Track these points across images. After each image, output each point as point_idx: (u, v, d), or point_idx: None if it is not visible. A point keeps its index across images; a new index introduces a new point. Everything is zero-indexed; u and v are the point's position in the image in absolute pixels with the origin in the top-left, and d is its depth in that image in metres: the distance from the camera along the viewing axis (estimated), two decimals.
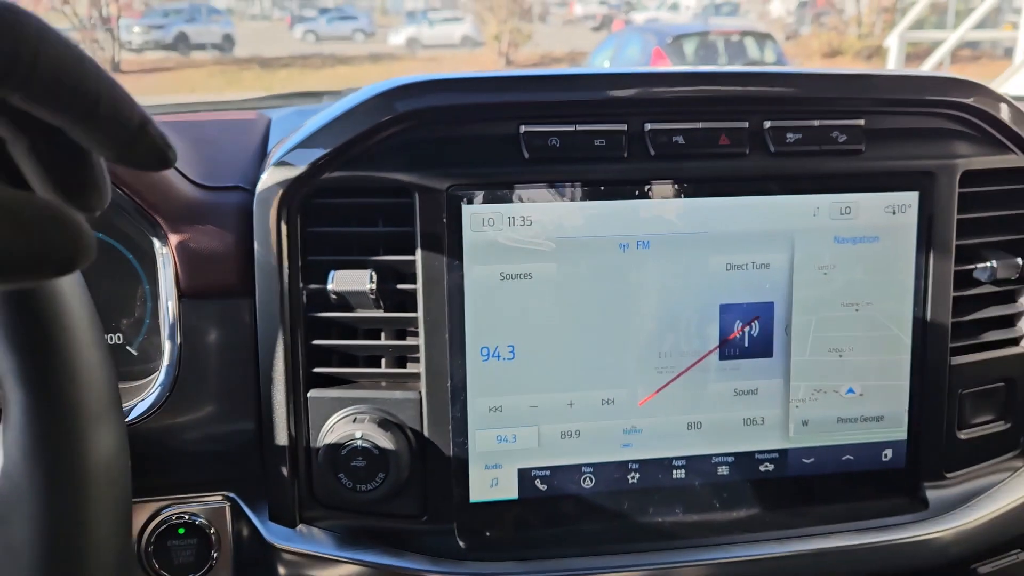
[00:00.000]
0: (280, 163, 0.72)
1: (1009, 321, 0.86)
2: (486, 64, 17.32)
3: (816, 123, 0.76)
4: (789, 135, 0.76)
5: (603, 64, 9.03)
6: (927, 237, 0.79)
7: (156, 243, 0.74)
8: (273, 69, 16.13)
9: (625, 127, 0.74)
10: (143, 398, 0.75)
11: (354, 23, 23.53)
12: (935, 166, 0.78)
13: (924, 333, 0.80)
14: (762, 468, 0.81)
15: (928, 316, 0.80)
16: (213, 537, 0.78)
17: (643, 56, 8.38)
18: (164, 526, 0.77)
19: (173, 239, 0.73)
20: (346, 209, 0.74)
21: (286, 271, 0.73)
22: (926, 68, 5.57)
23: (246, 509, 0.78)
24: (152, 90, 13.85)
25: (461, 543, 0.76)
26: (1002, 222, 0.83)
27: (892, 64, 6.02)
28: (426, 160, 0.72)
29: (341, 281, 0.72)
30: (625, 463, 0.79)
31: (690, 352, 0.77)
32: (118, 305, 0.80)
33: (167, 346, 0.74)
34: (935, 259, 0.79)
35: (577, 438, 0.77)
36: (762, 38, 8.99)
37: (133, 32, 18.51)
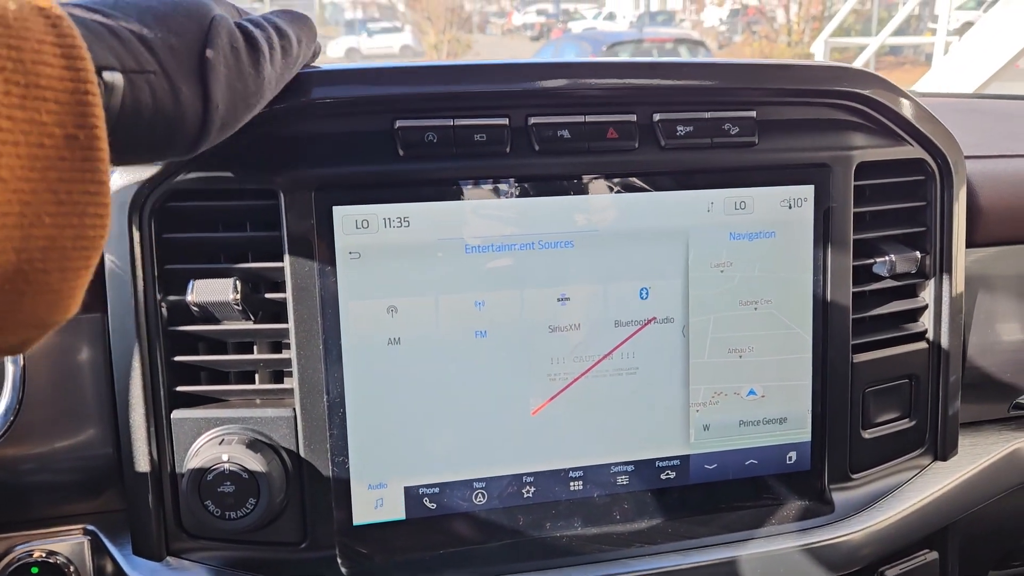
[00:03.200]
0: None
1: (911, 316, 0.84)
2: None
3: (707, 115, 0.73)
4: (680, 128, 0.73)
5: None
6: (824, 231, 0.76)
7: None
8: None
9: (507, 121, 0.70)
10: None
11: None
12: (830, 158, 0.76)
13: (825, 331, 0.78)
14: (663, 476, 0.77)
15: (828, 313, 0.78)
16: (72, 575, 0.71)
17: None
18: (15, 565, 0.70)
19: None
20: (207, 213, 0.68)
21: (140, 282, 0.66)
22: None
23: (107, 543, 0.71)
24: None
25: (344, 570, 0.71)
26: (900, 215, 0.82)
27: None
28: (292, 158, 0.67)
29: (201, 292, 0.66)
30: (519, 476, 0.74)
31: (584, 357, 0.73)
32: None
33: (9, 369, 0.68)
34: (833, 254, 0.77)
35: (467, 451, 0.73)
36: (695, 46, 9.13)
37: None
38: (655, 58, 0.79)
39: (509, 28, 27.59)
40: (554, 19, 26.21)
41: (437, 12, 16.96)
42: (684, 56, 8.88)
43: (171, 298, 0.68)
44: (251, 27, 0.52)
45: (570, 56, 8.74)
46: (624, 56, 8.55)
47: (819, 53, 5.96)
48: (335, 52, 21.06)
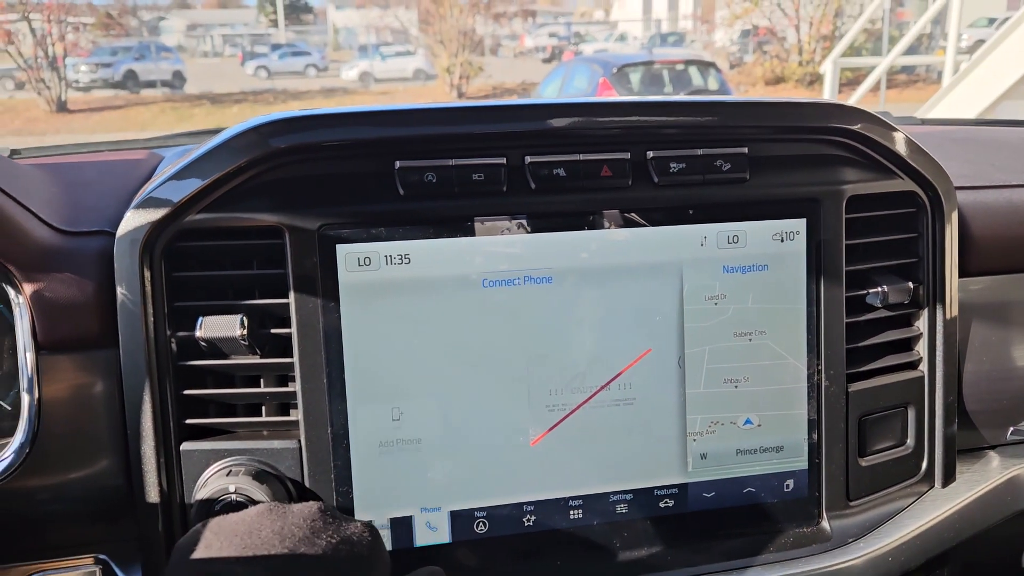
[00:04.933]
0: (141, 205, 0.68)
1: (905, 345, 0.85)
2: (439, 96, 17.45)
3: (700, 152, 0.75)
4: (672, 165, 0.75)
5: (553, 95, 9.10)
6: (816, 264, 0.78)
7: (11, 292, 0.70)
8: (224, 105, 16.02)
9: (504, 160, 0.72)
10: None
11: (306, 58, 23.55)
12: (821, 192, 0.78)
13: (819, 361, 0.79)
14: (662, 504, 0.78)
15: (823, 343, 0.79)
16: None
17: (590, 86, 8.46)
18: None
19: (27, 288, 0.69)
20: (215, 252, 0.71)
21: (151, 319, 0.69)
22: (859, 92, 5.71)
23: (118, 572, 0.73)
24: (99, 128, 13.66)
25: None
26: (891, 246, 0.83)
27: (827, 90, 6.17)
28: (297, 199, 0.70)
29: (210, 327, 0.69)
30: (520, 505, 0.76)
31: (582, 388, 0.75)
32: None
33: (25, 402, 0.70)
34: (826, 286, 0.78)
35: (468, 481, 0.74)
36: (705, 67, 9.14)
37: (80, 71, 18.27)
38: (648, 97, 0.81)
39: (521, 51, 27.82)
40: (566, 41, 26.43)
41: (449, 36, 17.12)
42: (695, 77, 8.92)
43: (180, 334, 0.70)
44: None
45: (582, 77, 8.80)
46: (635, 77, 8.59)
47: (829, 73, 5.98)
48: (349, 76, 21.31)
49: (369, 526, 0.53)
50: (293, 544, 0.49)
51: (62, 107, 15.05)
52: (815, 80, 14.87)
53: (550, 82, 9.98)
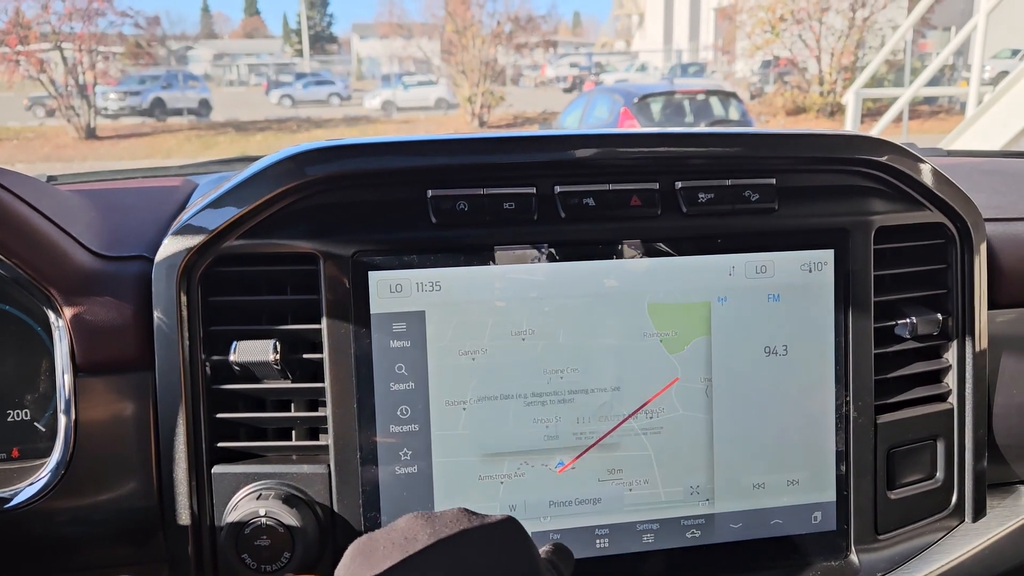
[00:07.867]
0: (180, 231, 0.70)
1: (935, 377, 0.85)
2: (460, 125, 17.62)
3: (728, 182, 0.76)
4: (701, 195, 0.76)
5: (573, 124, 9.15)
6: (845, 294, 0.78)
7: (51, 316, 0.72)
8: (249, 133, 16.27)
9: (534, 190, 0.73)
10: (32, 481, 0.71)
11: (330, 87, 23.94)
12: (849, 223, 0.78)
13: (848, 391, 0.79)
14: (688, 535, 0.78)
15: (851, 374, 0.79)
16: None
17: (611, 116, 8.51)
18: None
19: (67, 311, 0.71)
20: (250, 278, 0.72)
21: (186, 343, 0.70)
22: (881, 123, 5.70)
23: None
24: (127, 155, 13.90)
25: None
26: (920, 278, 0.83)
27: (849, 120, 6.16)
28: (332, 226, 0.71)
29: (243, 352, 0.70)
30: (546, 533, 0.76)
31: (609, 417, 0.75)
32: (24, 380, 0.77)
33: (61, 423, 0.71)
34: (854, 316, 0.78)
35: (494, 509, 0.75)
36: (726, 97, 9.17)
37: (109, 98, 18.67)
38: (676, 128, 0.82)
39: (542, 80, 28.09)
40: (587, 71, 26.66)
41: (471, 66, 17.34)
42: (716, 107, 8.95)
43: (215, 358, 0.72)
44: None
45: (603, 107, 8.85)
46: (656, 107, 8.62)
47: (851, 104, 5.98)
48: (372, 104, 21.60)
49: (510, 518, 0.57)
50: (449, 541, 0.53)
51: (91, 134, 15.36)
52: (836, 111, 14.87)
53: (571, 112, 10.04)
